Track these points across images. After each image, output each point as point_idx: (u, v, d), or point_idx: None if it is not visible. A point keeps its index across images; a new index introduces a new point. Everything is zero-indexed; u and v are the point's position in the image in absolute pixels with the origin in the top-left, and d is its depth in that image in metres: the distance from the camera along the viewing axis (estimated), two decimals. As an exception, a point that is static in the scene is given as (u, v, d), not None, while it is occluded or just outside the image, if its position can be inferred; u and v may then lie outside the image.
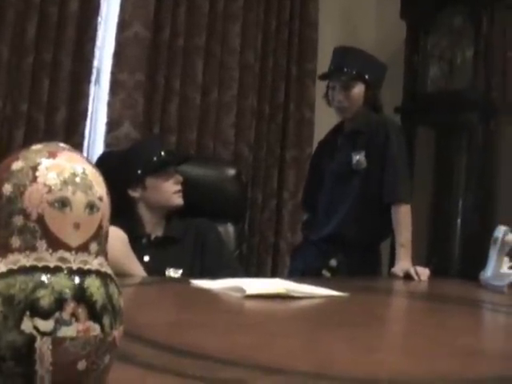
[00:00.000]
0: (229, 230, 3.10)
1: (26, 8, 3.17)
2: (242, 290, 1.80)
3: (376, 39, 4.65)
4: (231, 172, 3.17)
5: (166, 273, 2.58)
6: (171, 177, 2.74)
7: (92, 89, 3.52)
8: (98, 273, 0.71)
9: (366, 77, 3.07)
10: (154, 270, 2.51)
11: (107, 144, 3.49)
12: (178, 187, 2.74)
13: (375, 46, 4.63)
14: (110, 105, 3.51)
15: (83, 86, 3.40)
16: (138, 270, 2.36)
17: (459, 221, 3.99)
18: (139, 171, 2.69)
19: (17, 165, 0.69)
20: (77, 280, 0.69)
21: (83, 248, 0.71)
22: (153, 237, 2.70)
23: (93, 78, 3.51)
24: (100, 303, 0.70)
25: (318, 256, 3.08)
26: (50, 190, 0.69)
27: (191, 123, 3.71)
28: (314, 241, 3.14)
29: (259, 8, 4.01)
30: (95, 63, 3.52)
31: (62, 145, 0.74)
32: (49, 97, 3.26)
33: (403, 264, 2.86)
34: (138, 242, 2.55)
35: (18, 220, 0.68)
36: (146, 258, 2.58)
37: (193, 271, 2.60)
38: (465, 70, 4.07)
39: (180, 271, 2.59)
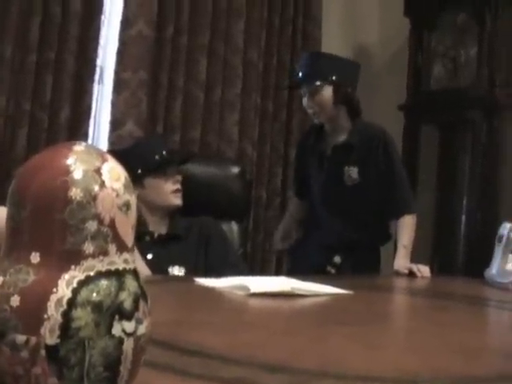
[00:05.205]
0: (233, 228, 3.09)
1: (30, 7, 3.17)
2: (246, 288, 1.80)
3: (379, 37, 4.65)
4: (235, 170, 3.16)
5: (170, 270, 2.58)
6: (171, 177, 2.72)
7: (95, 87, 3.52)
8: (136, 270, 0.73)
9: (334, 78, 3.05)
10: (158, 267, 2.51)
11: (111, 143, 3.48)
12: (177, 187, 2.73)
13: (379, 43, 4.64)
14: (114, 103, 3.51)
15: (87, 85, 3.40)
16: (141, 269, 2.35)
17: (463, 218, 3.98)
18: (139, 171, 2.68)
19: (77, 168, 0.68)
20: (138, 279, 0.72)
21: (133, 248, 0.73)
22: (156, 235, 2.69)
23: (96, 76, 3.50)
24: (148, 299, 0.72)
25: (321, 253, 3.10)
26: (117, 195, 0.69)
27: (195, 121, 3.71)
28: (316, 240, 3.15)
29: (263, 5, 4.01)
30: (99, 62, 3.51)
31: (84, 143, 0.74)
32: (52, 96, 3.26)
33: (404, 262, 2.91)
34: (140, 240, 2.54)
35: (92, 225, 0.67)
36: (149, 256, 2.58)
37: (196, 269, 2.59)
38: (469, 68, 4.06)
39: (183, 269, 2.59)
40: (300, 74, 3.16)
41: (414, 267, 2.80)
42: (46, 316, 0.64)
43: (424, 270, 2.79)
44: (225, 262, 2.66)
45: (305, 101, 3.11)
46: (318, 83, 3.04)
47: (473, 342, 1.39)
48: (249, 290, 1.78)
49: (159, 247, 2.64)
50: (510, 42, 3.98)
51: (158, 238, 2.69)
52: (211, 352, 1.08)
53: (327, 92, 3.05)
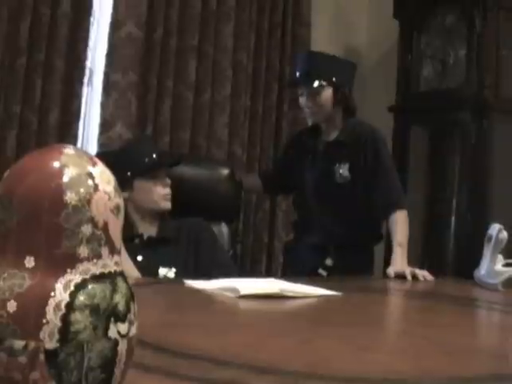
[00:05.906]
0: (223, 230, 3.09)
1: (19, 8, 3.16)
2: (236, 290, 1.80)
3: (369, 39, 4.66)
4: (225, 172, 3.15)
5: (160, 272, 2.57)
6: (160, 180, 2.70)
7: (85, 89, 3.51)
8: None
9: (334, 79, 3.06)
10: (148, 269, 2.51)
11: (100, 145, 3.48)
12: (167, 191, 2.71)
13: (368, 45, 4.64)
14: (103, 105, 3.50)
15: (76, 87, 3.40)
16: (131, 271, 2.35)
17: (453, 219, 3.99)
18: (128, 173, 2.66)
19: (71, 172, 0.68)
20: (126, 281, 0.73)
21: (120, 250, 0.73)
22: (146, 237, 2.68)
23: (85, 78, 3.50)
24: (135, 300, 0.73)
25: (313, 255, 3.09)
26: (109, 198, 0.69)
27: (184, 123, 3.71)
28: (308, 241, 3.15)
29: (252, 8, 4.01)
30: (88, 64, 3.51)
31: (72, 147, 0.74)
32: (41, 98, 3.25)
33: (399, 265, 2.81)
34: (130, 242, 2.54)
35: (87, 229, 0.67)
36: (140, 258, 2.57)
37: (186, 271, 2.59)
38: (458, 69, 4.07)
39: (173, 270, 2.58)
40: (299, 74, 3.16)
41: (407, 271, 2.70)
42: (44, 320, 0.64)
43: (421, 274, 2.73)
44: (214, 263, 2.65)
45: (303, 100, 3.10)
46: (318, 84, 3.04)
47: (462, 343, 1.39)
48: (238, 291, 1.78)
49: (149, 249, 2.63)
50: (499, 44, 3.99)
51: (148, 240, 2.68)
52: (201, 354, 1.08)
53: (327, 93, 3.06)
